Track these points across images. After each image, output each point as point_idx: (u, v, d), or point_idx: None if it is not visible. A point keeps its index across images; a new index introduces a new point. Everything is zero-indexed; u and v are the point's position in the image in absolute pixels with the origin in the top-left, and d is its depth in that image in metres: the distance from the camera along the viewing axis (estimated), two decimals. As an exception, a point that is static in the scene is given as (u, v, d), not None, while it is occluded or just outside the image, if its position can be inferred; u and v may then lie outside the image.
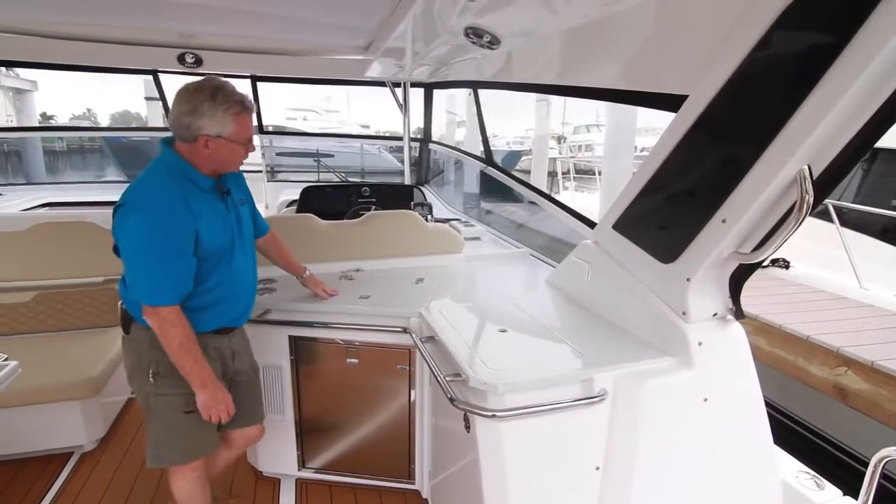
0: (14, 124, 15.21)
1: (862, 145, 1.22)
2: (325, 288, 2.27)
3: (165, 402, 1.72)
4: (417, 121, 5.30)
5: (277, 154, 7.18)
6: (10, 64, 5.24)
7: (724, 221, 1.46)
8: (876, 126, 1.18)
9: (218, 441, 1.89)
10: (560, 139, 21.97)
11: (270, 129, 6.01)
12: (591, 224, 2.58)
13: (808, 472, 1.83)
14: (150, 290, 1.58)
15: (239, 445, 2.04)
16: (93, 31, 3.27)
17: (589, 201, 10.30)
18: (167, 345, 1.61)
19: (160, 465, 1.80)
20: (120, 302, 1.77)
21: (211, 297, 1.72)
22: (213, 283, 1.70)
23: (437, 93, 5.22)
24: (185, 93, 1.58)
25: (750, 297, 1.65)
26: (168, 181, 1.59)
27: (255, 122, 1.70)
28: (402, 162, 5.29)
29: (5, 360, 1.73)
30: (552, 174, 13.00)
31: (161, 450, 1.77)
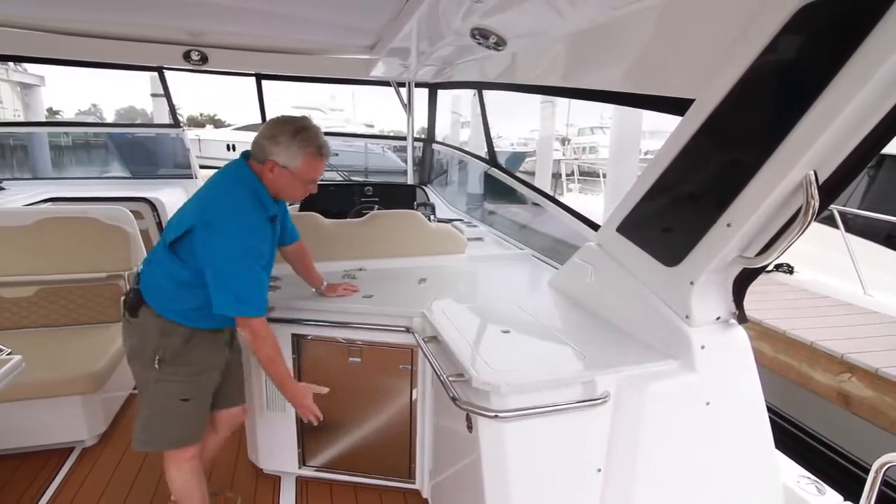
0: (21, 119, 15.28)
1: (868, 151, 1.22)
2: (345, 286, 2.31)
3: (165, 389, 1.78)
4: (421, 121, 5.30)
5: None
6: (18, 59, 5.28)
7: (728, 225, 1.46)
8: (882, 132, 1.18)
9: (202, 433, 1.94)
10: (564, 141, 21.95)
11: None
12: (595, 226, 2.58)
13: (809, 478, 1.82)
14: (242, 302, 1.66)
15: (224, 427, 2.10)
16: (100, 28, 3.29)
17: (593, 203, 10.28)
18: (258, 354, 1.74)
19: (145, 448, 1.85)
20: (133, 285, 1.82)
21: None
22: None
23: (441, 93, 5.22)
24: (273, 121, 1.74)
25: (754, 301, 1.65)
26: (249, 199, 1.70)
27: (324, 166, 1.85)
28: (405, 161, 5.29)
29: (9, 354, 1.74)
30: (556, 176, 12.98)
31: (149, 434, 1.82)
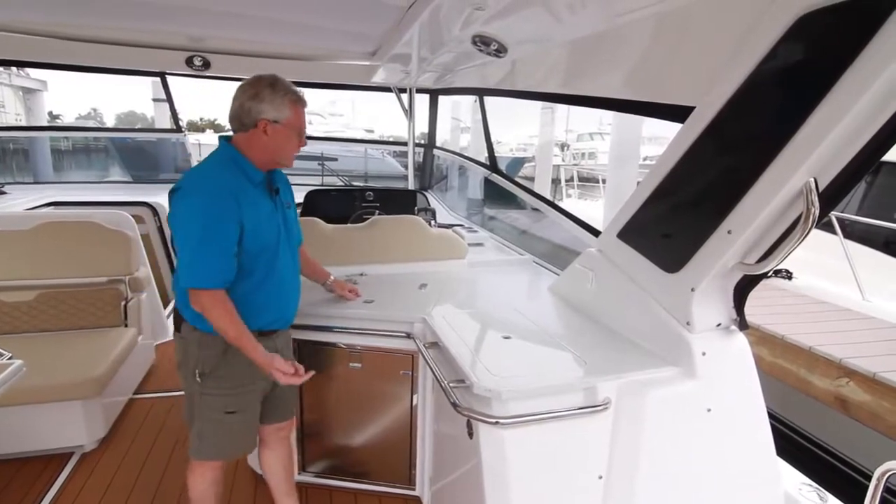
0: (23, 123, 15.31)
1: (868, 159, 1.23)
2: (350, 288, 2.30)
3: (209, 402, 1.77)
4: (422, 126, 5.32)
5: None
6: (22, 64, 5.30)
7: (729, 232, 1.46)
8: (882, 140, 1.19)
9: (255, 443, 1.94)
10: (563, 146, 22.01)
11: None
12: (595, 232, 2.59)
13: (811, 485, 1.82)
14: (192, 273, 1.60)
15: (272, 440, 2.07)
16: (104, 34, 3.31)
17: (591, 209, 10.30)
18: (215, 327, 1.64)
19: (200, 457, 1.84)
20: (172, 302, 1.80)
21: (256, 296, 1.74)
22: (257, 281, 1.72)
23: (442, 99, 5.24)
24: (245, 84, 1.68)
25: (753, 307, 1.65)
26: (220, 170, 1.66)
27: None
28: (405, 167, 5.31)
29: (10, 358, 1.73)
30: (555, 181, 13.01)
31: (203, 443, 1.81)
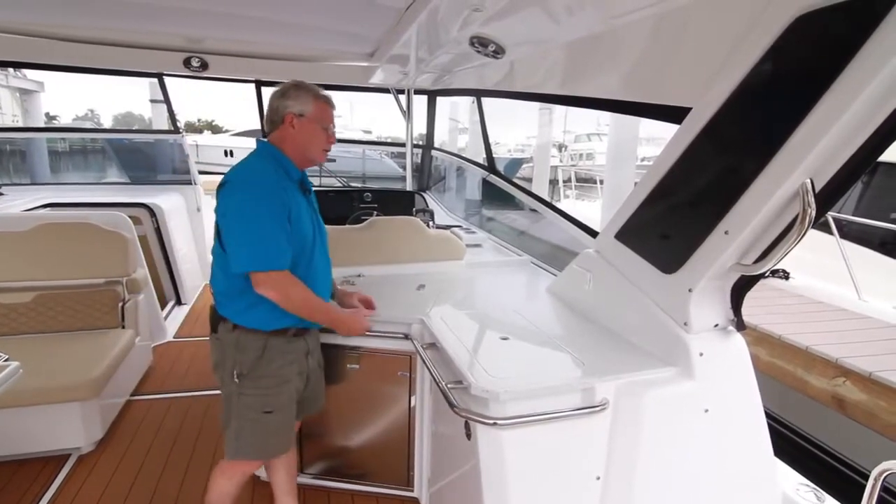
0: (20, 124, 15.26)
1: (864, 159, 1.23)
2: (360, 297, 2.16)
3: (246, 402, 1.78)
4: (420, 127, 5.32)
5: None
6: (19, 65, 5.27)
7: (726, 233, 1.47)
8: (879, 141, 1.19)
9: (293, 442, 1.96)
10: (561, 147, 22.04)
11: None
12: (593, 233, 2.59)
13: (808, 485, 1.83)
14: (259, 257, 1.64)
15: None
16: (101, 35, 3.30)
17: (589, 210, 10.31)
18: (290, 306, 1.71)
19: (238, 458, 1.85)
20: (212, 303, 1.84)
21: None
22: (297, 276, 1.73)
23: (440, 100, 5.24)
24: (276, 89, 1.81)
25: (749, 307, 1.65)
26: (264, 164, 1.75)
27: (334, 121, 1.90)
28: (403, 168, 5.31)
29: (6, 360, 1.73)
30: (553, 182, 13.03)
31: (241, 443, 1.82)
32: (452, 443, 1.85)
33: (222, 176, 1.75)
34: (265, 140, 1.82)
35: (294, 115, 1.75)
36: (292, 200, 1.72)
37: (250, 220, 1.63)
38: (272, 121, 1.79)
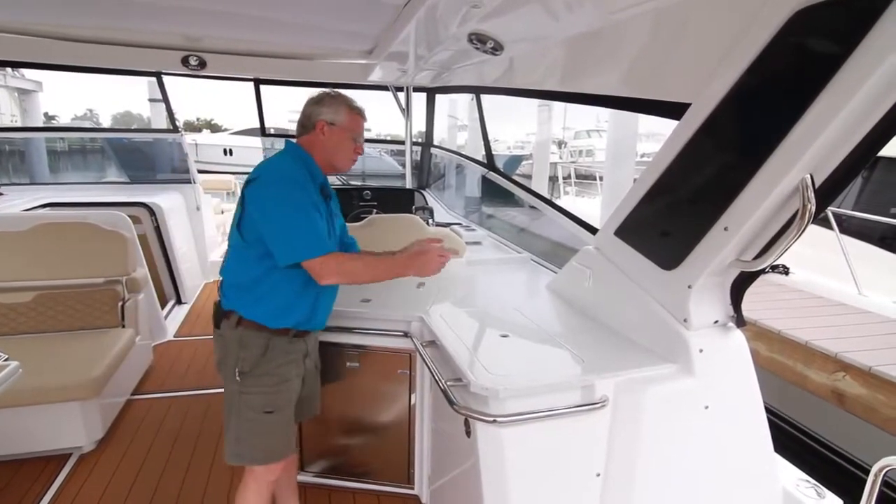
0: (19, 124, 15.24)
1: (864, 155, 1.23)
2: (431, 239, 2.01)
3: (248, 401, 1.77)
4: (419, 125, 5.31)
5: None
6: (16, 65, 5.26)
7: (726, 229, 1.46)
8: (878, 136, 1.19)
9: (294, 446, 1.93)
10: (561, 144, 22.01)
11: (272, 131, 6.01)
12: (592, 230, 2.59)
13: (808, 481, 1.83)
14: (311, 244, 1.66)
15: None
16: (99, 34, 3.29)
17: (589, 206, 10.30)
18: (357, 279, 1.78)
19: (239, 462, 1.82)
20: (217, 299, 1.83)
21: (306, 294, 1.78)
22: (306, 277, 1.71)
23: (438, 97, 5.23)
24: (313, 96, 1.86)
25: (749, 302, 1.65)
26: (292, 162, 1.78)
27: (363, 132, 1.92)
28: (403, 165, 5.30)
29: (6, 360, 1.73)
30: (553, 179, 13.01)
31: (241, 447, 1.79)
32: (453, 440, 1.85)
33: (241, 173, 1.75)
34: (294, 142, 1.86)
35: (326, 122, 1.79)
36: (318, 201, 1.76)
37: (292, 210, 1.65)
38: (304, 125, 1.84)
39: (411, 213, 3.81)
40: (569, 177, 12.66)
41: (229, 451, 1.81)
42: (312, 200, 1.72)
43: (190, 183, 5.39)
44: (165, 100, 5.04)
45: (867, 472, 1.35)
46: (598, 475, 1.65)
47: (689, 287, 1.62)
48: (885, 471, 1.31)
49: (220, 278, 1.84)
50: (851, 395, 3.63)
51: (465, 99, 7.14)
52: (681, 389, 1.65)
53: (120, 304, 3.17)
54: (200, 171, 5.80)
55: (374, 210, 3.72)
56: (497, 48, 2.27)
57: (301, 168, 1.77)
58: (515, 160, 17.56)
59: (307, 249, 1.65)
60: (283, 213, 1.65)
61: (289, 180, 1.70)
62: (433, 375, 1.79)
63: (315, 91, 1.87)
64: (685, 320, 1.66)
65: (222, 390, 1.83)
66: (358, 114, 1.87)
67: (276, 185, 1.69)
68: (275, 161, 1.80)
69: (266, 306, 1.75)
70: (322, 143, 1.81)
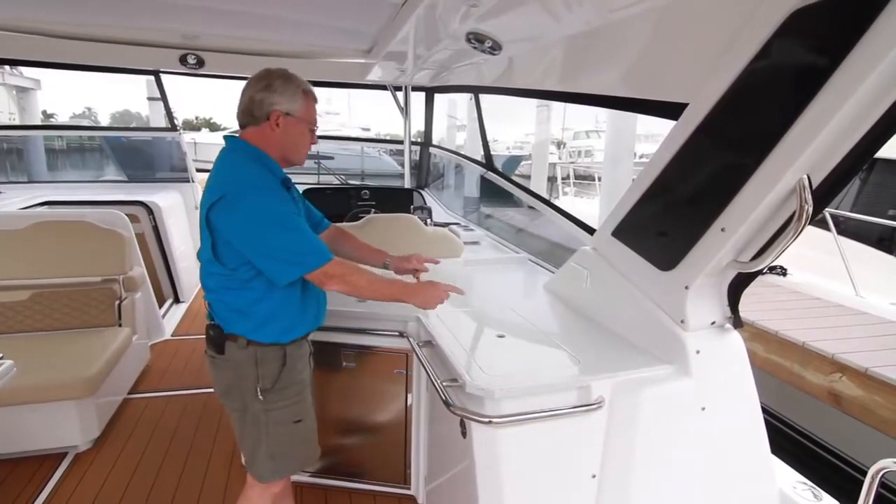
0: (17, 122, 15.22)
1: (861, 156, 1.22)
2: (419, 259, 1.97)
3: (276, 417, 1.69)
4: (418, 124, 5.31)
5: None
6: (14, 63, 5.26)
7: (723, 230, 1.46)
8: (875, 137, 1.18)
9: (318, 450, 1.87)
10: (560, 144, 22.03)
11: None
12: (590, 230, 2.58)
13: (805, 483, 1.82)
14: (310, 256, 1.54)
15: None
16: (97, 32, 3.28)
17: (588, 207, 10.31)
18: (360, 293, 1.65)
19: (278, 477, 1.76)
20: (208, 320, 1.70)
21: (308, 298, 1.71)
22: (305, 281, 1.63)
23: (437, 97, 5.23)
24: (255, 77, 1.63)
25: (746, 303, 1.65)
26: (254, 167, 1.57)
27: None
28: (401, 165, 5.29)
29: (0, 358, 1.72)
30: (552, 179, 13.02)
31: (278, 463, 1.73)
32: (449, 441, 1.84)
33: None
34: (237, 137, 1.63)
35: (281, 112, 1.59)
36: (288, 199, 1.63)
37: (277, 226, 1.50)
38: (252, 114, 1.59)
39: (410, 212, 3.81)
40: (567, 177, 12.67)
41: (263, 470, 1.71)
42: (289, 204, 1.57)
43: (188, 182, 5.38)
44: (164, 98, 5.03)
45: (864, 474, 1.35)
46: (594, 476, 1.64)
47: (687, 288, 1.62)
48: (882, 472, 1.31)
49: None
50: (848, 396, 3.63)
51: (465, 99, 7.15)
52: (677, 390, 1.65)
53: (117, 302, 3.17)
54: (199, 170, 5.78)
55: (373, 210, 3.71)
56: (495, 48, 2.27)
57: (262, 169, 1.58)
58: (514, 160, 17.57)
59: (306, 264, 1.54)
60: (269, 233, 1.49)
61: (259, 190, 1.51)
62: (429, 376, 1.78)
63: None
64: (682, 321, 1.66)
65: None
66: (314, 99, 1.67)
67: (247, 200, 1.49)
68: (233, 171, 1.57)
69: (273, 326, 1.64)
70: (277, 138, 1.60)
